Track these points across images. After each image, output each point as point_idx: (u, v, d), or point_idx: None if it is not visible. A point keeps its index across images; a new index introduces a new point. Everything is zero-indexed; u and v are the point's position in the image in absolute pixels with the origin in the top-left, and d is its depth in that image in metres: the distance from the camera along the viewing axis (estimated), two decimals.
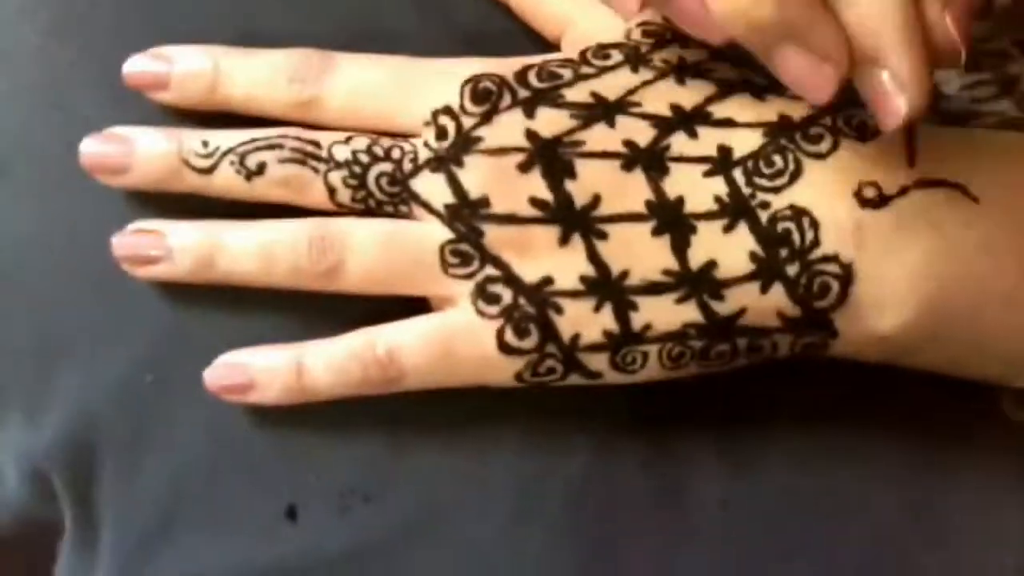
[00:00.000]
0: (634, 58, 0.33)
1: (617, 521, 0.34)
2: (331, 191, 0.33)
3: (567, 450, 0.34)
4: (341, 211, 0.33)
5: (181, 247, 0.33)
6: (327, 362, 0.33)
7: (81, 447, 0.34)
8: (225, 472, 0.34)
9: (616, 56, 0.33)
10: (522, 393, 0.33)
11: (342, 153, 0.33)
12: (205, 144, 0.33)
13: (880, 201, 0.32)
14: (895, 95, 0.30)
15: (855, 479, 0.35)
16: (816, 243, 0.32)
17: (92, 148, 0.33)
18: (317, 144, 0.33)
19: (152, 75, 0.34)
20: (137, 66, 0.34)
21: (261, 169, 0.33)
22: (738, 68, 0.33)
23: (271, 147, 0.33)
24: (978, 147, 0.34)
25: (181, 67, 0.33)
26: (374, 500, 0.34)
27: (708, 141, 0.32)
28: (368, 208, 0.33)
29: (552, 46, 0.35)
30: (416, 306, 0.33)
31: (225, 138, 0.33)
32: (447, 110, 0.33)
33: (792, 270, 0.32)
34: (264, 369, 0.33)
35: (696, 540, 0.34)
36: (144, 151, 0.33)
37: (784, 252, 0.32)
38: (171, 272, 0.33)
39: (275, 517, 0.34)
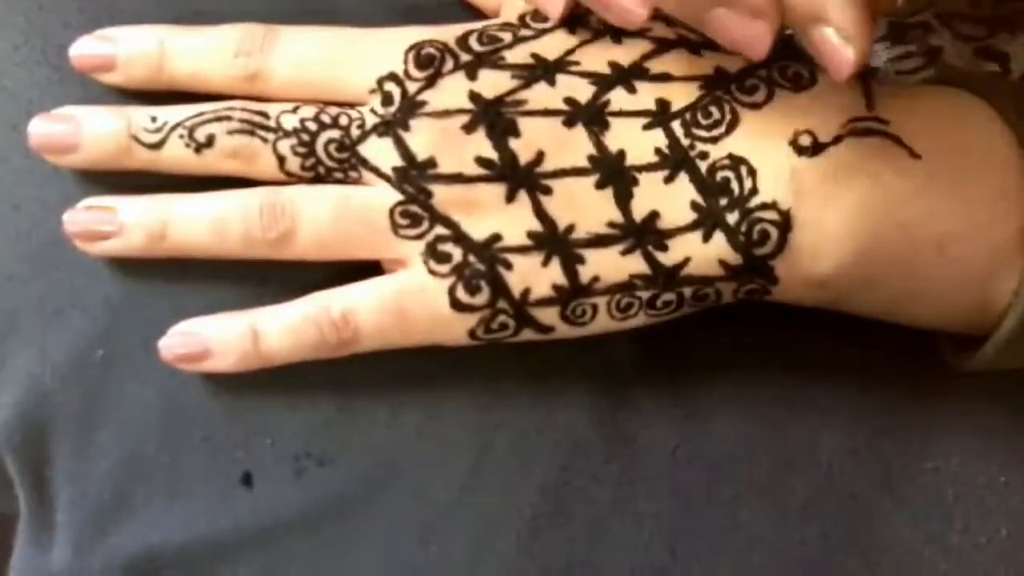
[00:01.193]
0: (571, 20, 0.34)
1: (570, 470, 0.34)
2: (280, 160, 0.33)
3: (518, 403, 0.34)
4: (291, 180, 0.33)
5: (133, 222, 0.33)
6: (282, 327, 0.33)
7: (34, 426, 0.34)
8: (179, 443, 0.34)
9: None
10: (471, 351, 0.33)
11: (290, 122, 0.33)
12: (154, 119, 0.33)
13: (815, 149, 0.32)
14: (842, 48, 0.31)
15: (803, 425, 0.35)
16: (754, 191, 0.32)
17: (40, 128, 0.34)
18: (265, 115, 0.33)
19: (98, 57, 0.34)
20: (83, 49, 0.34)
21: (210, 141, 0.33)
22: (673, 26, 0.34)
23: (219, 119, 0.33)
24: (910, 98, 0.34)
25: (126, 48, 0.34)
26: (328, 463, 0.34)
27: (646, 95, 0.33)
28: (318, 175, 0.33)
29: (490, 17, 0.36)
30: (368, 272, 0.34)
31: (173, 113, 0.33)
32: (392, 76, 0.33)
33: (732, 218, 0.32)
34: (219, 337, 0.33)
35: (649, 487, 0.34)
36: (93, 129, 0.33)
37: (724, 201, 0.32)
38: (124, 247, 0.33)
39: (231, 484, 0.34)
